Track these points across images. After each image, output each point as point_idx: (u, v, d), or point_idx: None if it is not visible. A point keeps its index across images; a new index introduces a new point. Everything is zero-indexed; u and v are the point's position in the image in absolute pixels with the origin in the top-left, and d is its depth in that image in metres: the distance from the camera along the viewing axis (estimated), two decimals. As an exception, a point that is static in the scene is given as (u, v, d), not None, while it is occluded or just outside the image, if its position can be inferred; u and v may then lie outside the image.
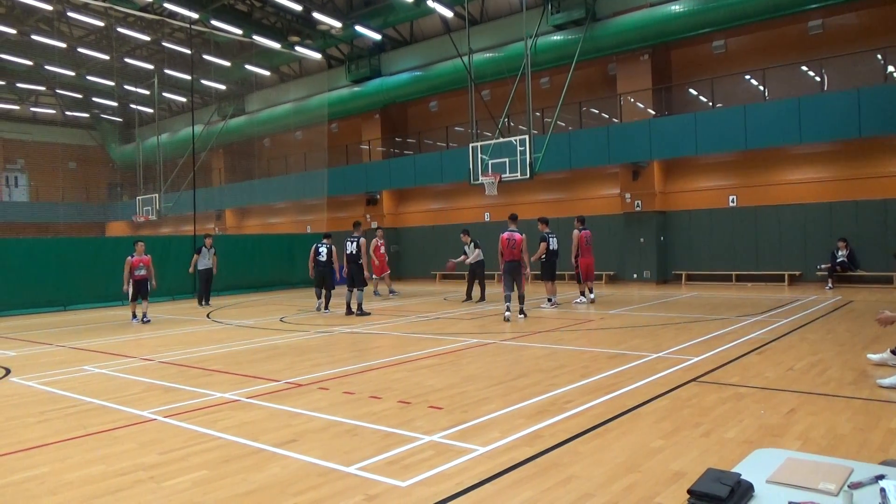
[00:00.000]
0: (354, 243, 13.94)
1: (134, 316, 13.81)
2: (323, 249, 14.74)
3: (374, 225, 26.87)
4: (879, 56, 17.44)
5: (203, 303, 17.45)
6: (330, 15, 23.51)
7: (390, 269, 19.07)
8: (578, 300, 14.65)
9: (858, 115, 15.86)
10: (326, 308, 14.79)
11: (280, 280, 23.13)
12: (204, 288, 17.37)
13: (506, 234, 12.18)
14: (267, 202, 31.27)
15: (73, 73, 31.86)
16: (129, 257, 13.47)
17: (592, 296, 14.72)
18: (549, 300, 14.29)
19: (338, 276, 15.76)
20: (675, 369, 7.07)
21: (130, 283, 13.54)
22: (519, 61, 18.71)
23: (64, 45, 28.50)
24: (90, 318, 15.35)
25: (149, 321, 13.53)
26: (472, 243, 16.12)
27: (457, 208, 25.76)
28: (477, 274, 16.01)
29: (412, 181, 25.24)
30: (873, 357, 6.94)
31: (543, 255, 13.87)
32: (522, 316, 12.16)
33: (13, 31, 26.66)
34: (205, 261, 17.03)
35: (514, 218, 12.71)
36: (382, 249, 18.08)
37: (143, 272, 13.53)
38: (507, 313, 11.96)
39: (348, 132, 29.54)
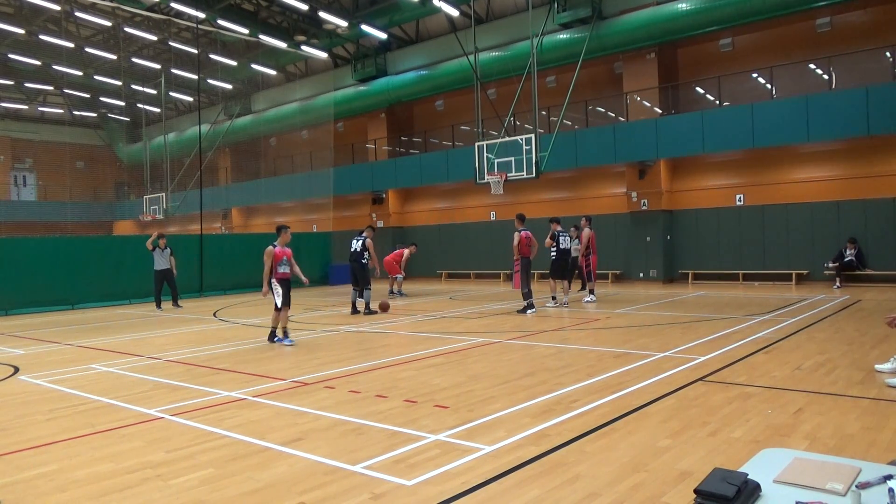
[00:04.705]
0: (360, 242, 13.93)
1: (273, 335, 10.05)
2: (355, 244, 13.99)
3: (381, 224, 26.89)
4: (888, 54, 17.32)
5: (172, 304, 16.56)
6: (336, 14, 23.53)
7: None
8: (588, 299, 14.65)
9: (867, 114, 15.77)
10: (355, 308, 13.90)
11: (286, 279, 23.14)
12: (158, 290, 16.31)
13: (527, 233, 13.07)
14: (273, 201, 31.34)
15: (80, 73, 32.00)
16: (272, 247, 9.84)
17: (593, 297, 14.82)
18: (555, 298, 14.29)
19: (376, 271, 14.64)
20: (681, 368, 7.05)
21: (273, 284, 9.90)
22: (525, 60, 18.68)
23: (71, 45, 28.62)
24: (98, 317, 15.41)
25: (292, 343, 9.81)
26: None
27: (463, 207, 25.75)
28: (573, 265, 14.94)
29: (418, 180, 25.26)
30: (882, 367, 6.55)
31: (554, 252, 13.90)
32: (533, 310, 12.90)
33: (21, 31, 26.80)
34: (161, 262, 16.13)
35: (523, 218, 13.45)
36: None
37: (286, 269, 9.99)
38: (532, 310, 12.81)
39: (354, 131, 29.57)
